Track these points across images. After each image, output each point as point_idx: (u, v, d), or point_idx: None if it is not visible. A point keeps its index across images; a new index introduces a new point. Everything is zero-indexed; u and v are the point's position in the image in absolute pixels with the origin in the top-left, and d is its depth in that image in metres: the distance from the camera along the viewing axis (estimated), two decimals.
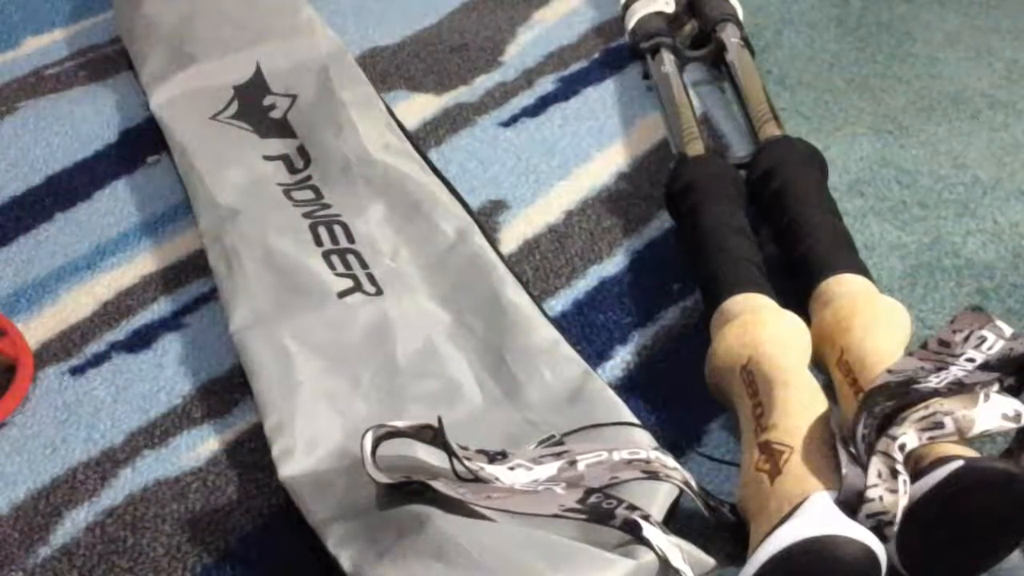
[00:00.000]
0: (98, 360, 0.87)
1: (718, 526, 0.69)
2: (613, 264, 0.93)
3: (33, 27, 1.27)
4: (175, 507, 0.76)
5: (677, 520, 0.69)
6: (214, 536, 0.74)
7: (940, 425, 0.65)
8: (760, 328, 0.76)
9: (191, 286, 0.93)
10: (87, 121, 1.11)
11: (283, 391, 0.78)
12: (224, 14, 1.16)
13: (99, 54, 1.22)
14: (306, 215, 0.92)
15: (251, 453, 0.79)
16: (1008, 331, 0.69)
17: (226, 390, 0.84)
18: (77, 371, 0.86)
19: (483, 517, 0.66)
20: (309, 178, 0.98)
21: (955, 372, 0.67)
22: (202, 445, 0.80)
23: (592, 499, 0.65)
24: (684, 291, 0.89)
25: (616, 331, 0.87)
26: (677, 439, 0.77)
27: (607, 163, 1.03)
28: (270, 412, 0.76)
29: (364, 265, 0.88)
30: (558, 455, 0.69)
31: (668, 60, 1.08)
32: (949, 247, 0.92)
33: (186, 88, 1.08)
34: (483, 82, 1.14)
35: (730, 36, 1.10)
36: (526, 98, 1.12)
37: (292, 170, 0.99)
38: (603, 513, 0.64)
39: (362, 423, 0.70)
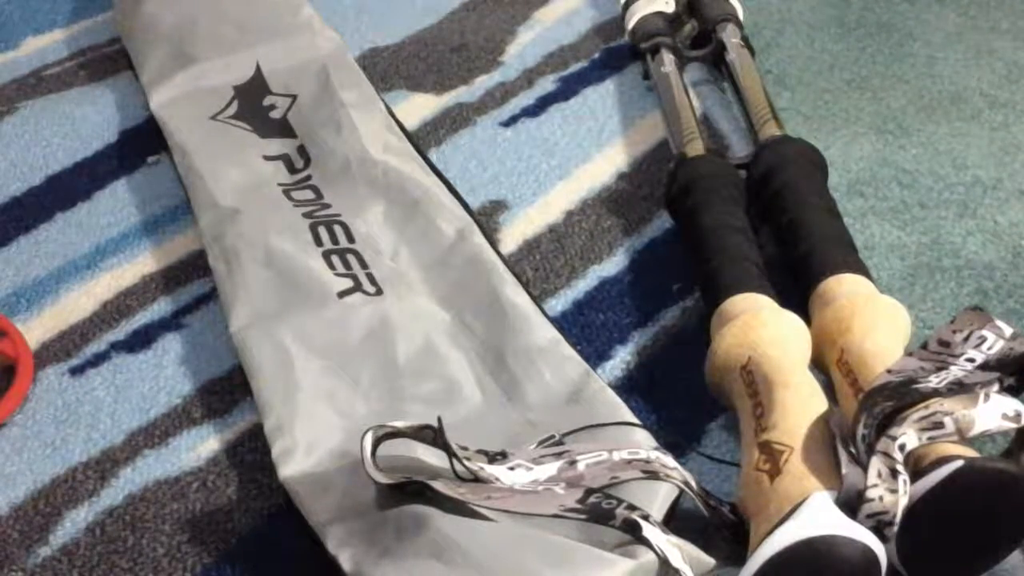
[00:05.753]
0: (98, 360, 0.87)
1: (718, 526, 0.69)
2: (613, 264, 0.93)
3: (33, 27, 1.27)
4: (175, 507, 0.76)
5: (677, 520, 0.69)
6: (214, 536, 0.74)
7: (940, 425, 0.65)
8: (760, 328, 0.76)
9: (191, 286, 0.93)
10: (87, 121, 1.11)
11: (283, 391, 0.78)
12: (224, 14, 1.16)
13: (99, 54, 1.22)
14: (306, 215, 0.93)
15: (251, 453, 0.79)
16: (1008, 331, 0.69)
17: (226, 390, 0.84)
18: (77, 371, 0.86)
19: (483, 517, 0.66)
20: (309, 178, 0.98)
21: (955, 372, 0.67)
22: (202, 445, 0.80)
23: (592, 499, 0.65)
24: (684, 291, 0.89)
25: (616, 331, 0.87)
26: (677, 439, 0.77)
27: (607, 163, 1.03)
28: (270, 412, 0.77)
29: (364, 265, 0.88)
30: (558, 455, 0.69)
31: (668, 60, 1.08)
32: (949, 247, 0.92)
33: (186, 88, 1.08)
34: (483, 82, 1.14)
35: (730, 36, 1.10)
36: (526, 98, 1.12)
37: (292, 170, 0.99)
38: (603, 513, 0.65)
39: (362, 423, 0.70)
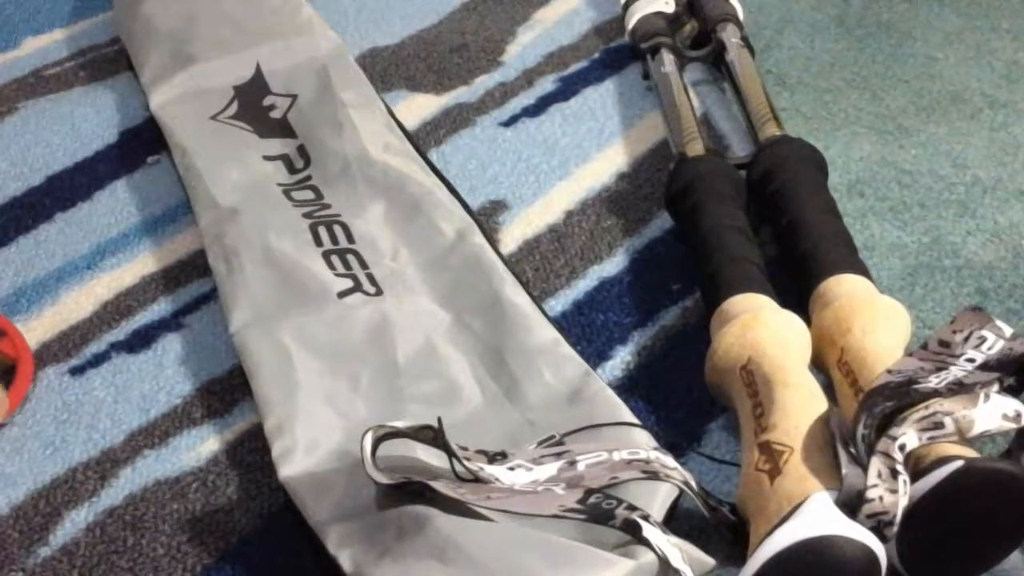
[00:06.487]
0: (98, 360, 0.87)
1: (718, 526, 0.69)
2: (613, 264, 0.93)
3: (33, 27, 1.27)
4: (175, 507, 0.76)
5: (677, 520, 0.69)
6: (214, 536, 0.74)
7: (940, 425, 0.65)
8: (760, 328, 0.76)
9: (191, 286, 0.93)
10: (87, 121, 1.11)
11: (283, 391, 0.78)
12: (224, 14, 1.16)
13: (99, 54, 1.22)
14: (306, 215, 0.93)
15: (251, 453, 0.79)
16: (1008, 331, 0.69)
17: (226, 390, 0.84)
18: (77, 371, 0.86)
19: (483, 517, 0.66)
20: (309, 178, 0.98)
21: (955, 372, 0.67)
22: (202, 445, 0.80)
23: (592, 499, 0.65)
24: (684, 291, 0.89)
25: (616, 331, 0.87)
26: (677, 439, 0.77)
27: (607, 163, 1.03)
28: (270, 412, 0.76)
29: (364, 265, 0.88)
30: (558, 455, 0.69)
31: (668, 60, 1.08)
32: (949, 247, 0.92)
33: (186, 88, 1.09)
34: (483, 82, 1.14)
35: (730, 36, 1.10)
36: (526, 98, 1.12)
37: (292, 170, 0.99)
38: (603, 513, 0.65)
39: (362, 423, 0.70)
